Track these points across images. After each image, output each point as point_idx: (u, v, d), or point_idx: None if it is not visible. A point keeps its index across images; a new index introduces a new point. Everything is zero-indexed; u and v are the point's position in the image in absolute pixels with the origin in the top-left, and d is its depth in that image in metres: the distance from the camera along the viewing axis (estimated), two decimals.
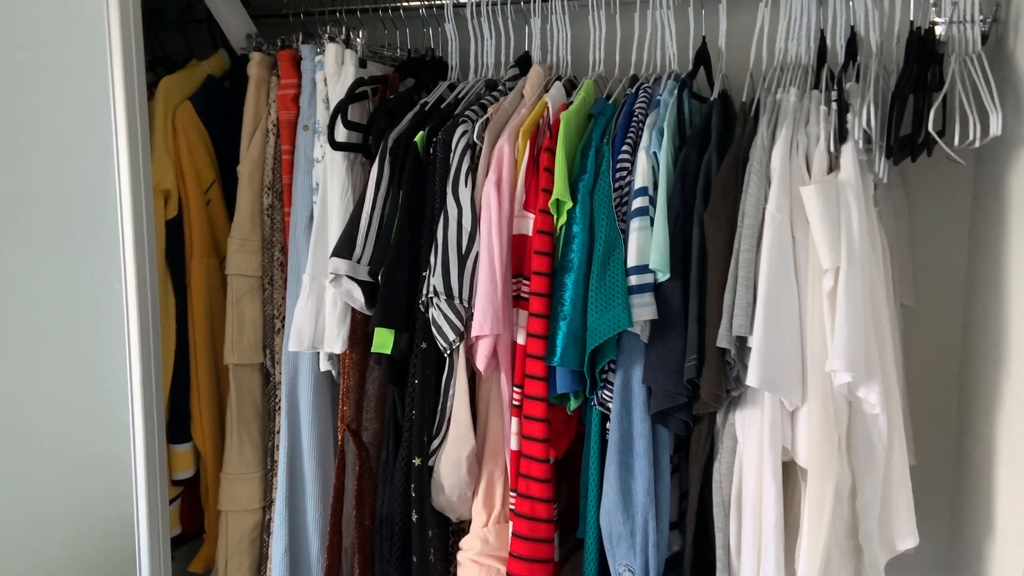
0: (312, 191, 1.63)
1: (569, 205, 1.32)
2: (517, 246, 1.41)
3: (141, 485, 1.56)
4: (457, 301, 1.37)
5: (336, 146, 1.54)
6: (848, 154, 1.23)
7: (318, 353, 1.61)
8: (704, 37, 1.57)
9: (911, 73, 1.27)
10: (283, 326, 1.70)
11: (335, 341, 1.54)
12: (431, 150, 1.48)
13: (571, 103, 1.47)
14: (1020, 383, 1.28)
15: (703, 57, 1.56)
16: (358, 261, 1.47)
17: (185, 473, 1.79)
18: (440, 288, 1.36)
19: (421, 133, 1.49)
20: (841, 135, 1.23)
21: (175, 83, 1.73)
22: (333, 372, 1.63)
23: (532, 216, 1.39)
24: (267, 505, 1.76)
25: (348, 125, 1.54)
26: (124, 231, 1.51)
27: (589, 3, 1.60)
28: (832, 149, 1.24)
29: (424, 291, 1.39)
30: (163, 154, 1.67)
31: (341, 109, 1.52)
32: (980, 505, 1.45)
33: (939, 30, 1.40)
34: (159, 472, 1.59)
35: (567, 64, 1.65)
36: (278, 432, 1.71)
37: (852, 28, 1.46)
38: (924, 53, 1.35)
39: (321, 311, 1.57)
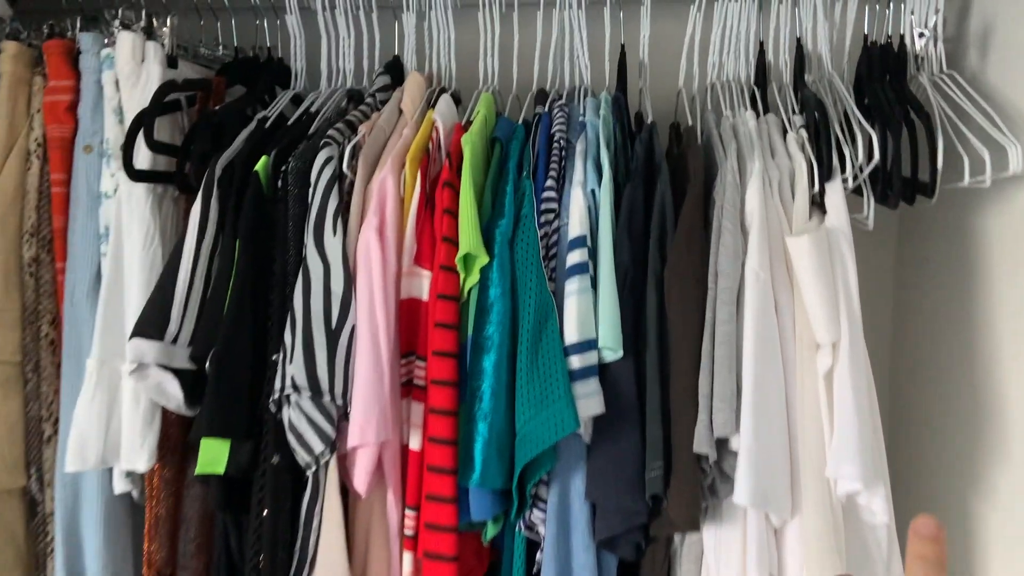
0: (99, 238, 1.19)
1: (483, 260, 1.00)
2: (407, 314, 1.06)
3: None
4: (326, 398, 1.00)
5: (136, 175, 1.12)
6: (837, 194, 1.01)
7: (110, 470, 1.16)
8: (623, 46, 1.31)
9: (896, 96, 1.07)
10: (56, 433, 1.22)
11: (137, 454, 1.11)
12: (280, 182, 1.09)
13: (469, 122, 1.14)
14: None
15: (623, 70, 1.29)
16: (173, 342, 1.05)
17: None
18: (301, 380, 0.99)
19: (265, 159, 1.10)
20: (828, 171, 0.99)
21: None
22: (134, 495, 1.18)
23: (428, 274, 1.05)
24: None
25: (154, 146, 1.12)
26: None
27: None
28: (815, 187, 1.01)
29: (277, 385, 1.00)
30: None
31: (144, 122, 1.10)
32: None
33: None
34: None
35: (451, 74, 1.33)
36: None
37: (799, 40, 1.25)
38: (893, 72, 1.17)
39: (115, 411, 1.13)
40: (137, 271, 1.14)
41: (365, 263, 1.02)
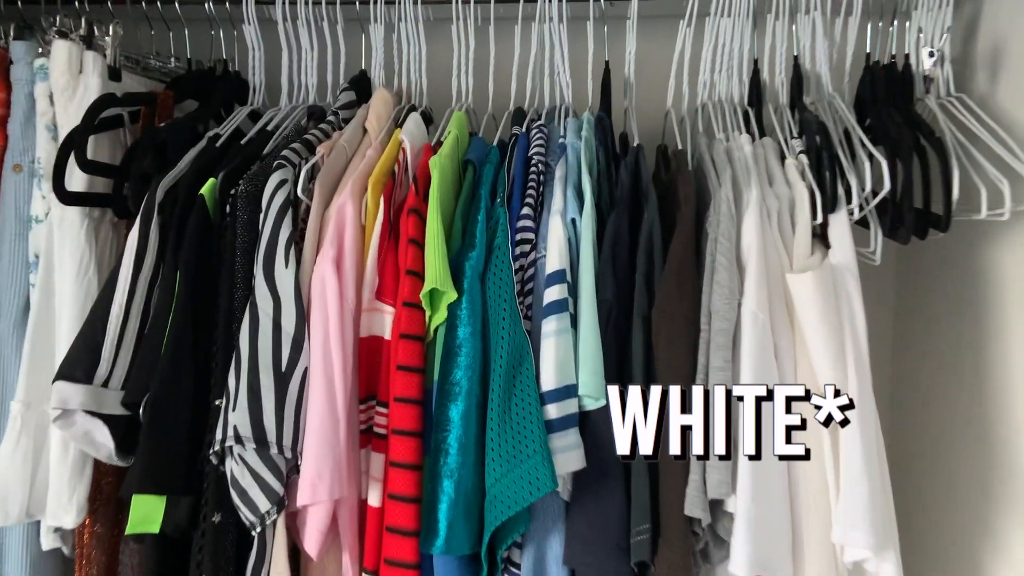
0: (28, 266, 1.09)
1: (451, 297, 0.90)
2: (368, 354, 0.96)
3: None
4: (274, 450, 0.89)
5: (69, 198, 1.02)
6: (842, 226, 0.92)
7: (37, 524, 1.05)
8: (608, 63, 1.22)
9: (904, 120, 0.99)
10: None
11: (65, 509, 1.00)
12: (228, 208, 0.99)
13: (440, 143, 1.05)
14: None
15: (607, 88, 1.21)
16: (104, 384, 0.95)
17: None
18: (245, 430, 0.88)
19: (212, 181, 1.00)
20: (832, 201, 0.91)
21: None
22: (64, 551, 1.07)
23: (390, 310, 0.95)
24: None
25: (88, 167, 1.02)
26: None
27: (452, 11, 1.20)
28: (818, 219, 0.92)
29: (218, 435, 0.90)
30: None
31: (77, 141, 1.00)
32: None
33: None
34: None
35: (421, 90, 1.24)
36: None
37: (796, 59, 1.17)
38: (898, 94, 1.09)
39: (42, 460, 1.02)
40: (69, 304, 1.04)
41: (320, 298, 0.93)
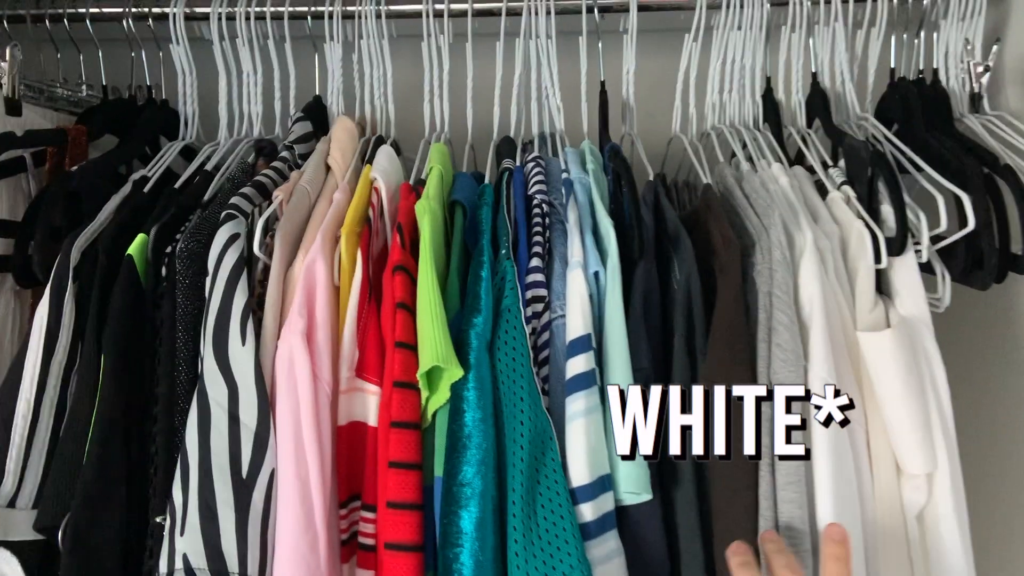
0: None
1: (456, 375, 0.73)
2: (347, 446, 0.79)
3: None
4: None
5: None
6: (910, 272, 0.79)
7: None
8: (603, 83, 1.08)
9: (958, 145, 0.88)
10: None
11: None
12: (164, 270, 0.81)
13: (421, 182, 0.89)
14: None
15: (605, 112, 1.06)
16: (10, 504, 0.75)
17: None
18: (198, 559, 0.70)
19: (142, 237, 0.82)
20: (899, 241, 0.78)
21: None
22: None
23: (375, 389, 0.78)
24: None
25: None
26: None
27: (423, 27, 1.04)
28: (882, 263, 0.79)
29: (163, 567, 0.71)
30: None
31: None
32: None
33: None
34: None
35: (388, 119, 1.08)
36: None
37: (814, 76, 1.05)
38: (935, 115, 0.98)
39: None
40: None
41: (288, 381, 0.75)
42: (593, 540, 0.73)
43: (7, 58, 0.92)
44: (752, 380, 0.74)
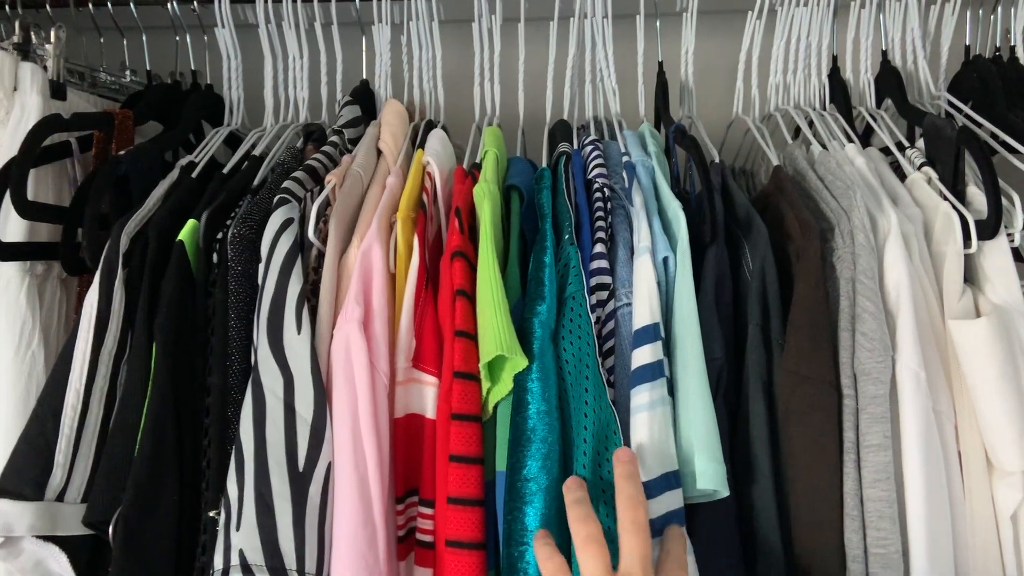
0: None
1: (521, 365, 0.71)
2: (404, 440, 0.76)
3: None
4: (293, 573, 0.68)
5: (3, 251, 0.80)
6: (1004, 257, 0.75)
7: None
8: (661, 64, 1.05)
9: None
10: None
11: None
12: (215, 257, 0.79)
13: (476, 166, 0.86)
14: None
15: (666, 94, 1.03)
16: (59, 498, 0.74)
17: None
18: (255, 555, 0.68)
19: (192, 223, 0.80)
20: (991, 224, 0.74)
21: None
22: None
23: (433, 380, 0.75)
24: None
25: (30, 210, 0.81)
26: None
27: (474, 8, 1.01)
28: (972, 247, 0.75)
29: (218, 562, 0.69)
30: None
31: (15, 177, 0.79)
32: None
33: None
34: None
35: (437, 103, 1.05)
36: None
37: (884, 54, 1.01)
38: (1018, 95, 0.93)
39: None
40: (7, 387, 0.83)
41: (345, 371, 0.73)
42: (657, 539, 0.70)
43: (52, 40, 0.90)
44: (835, 371, 0.71)
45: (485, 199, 0.77)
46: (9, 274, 0.82)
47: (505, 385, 0.72)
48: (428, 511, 0.75)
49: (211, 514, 0.73)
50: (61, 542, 0.74)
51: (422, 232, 0.78)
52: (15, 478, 0.72)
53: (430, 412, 0.76)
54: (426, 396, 0.76)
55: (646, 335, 0.73)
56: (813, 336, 0.71)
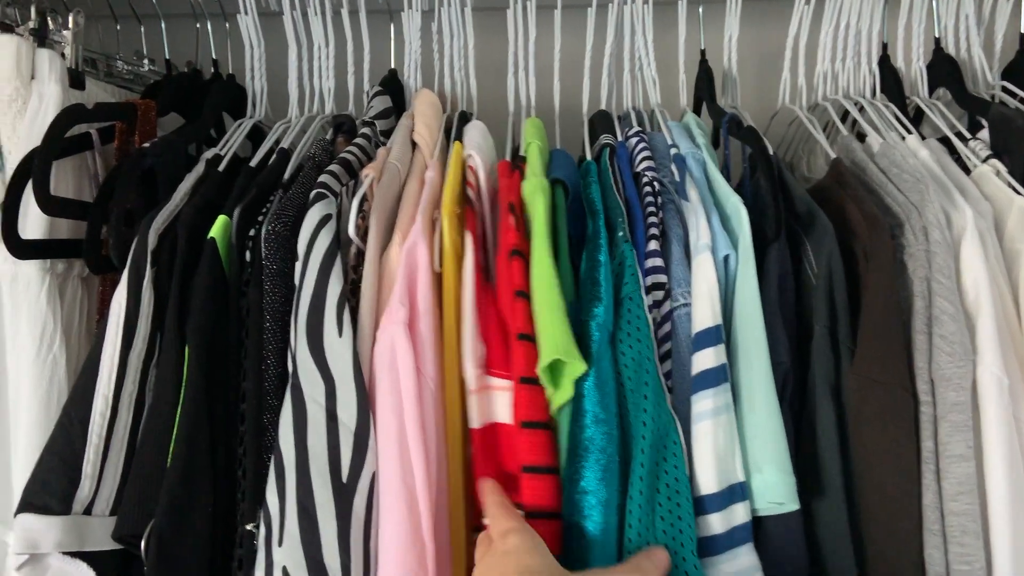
0: None
1: (580, 369, 0.67)
2: (484, 450, 0.71)
3: None
4: None
5: (23, 249, 0.76)
6: None
7: None
8: (704, 51, 1.01)
9: None
10: None
11: None
12: (248, 255, 0.75)
13: (521, 158, 0.83)
14: None
15: (711, 82, 0.99)
16: (87, 511, 0.70)
17: None
18: (299, 572, 0.64)
19: (224, 220, 0.76)
20: None
21: None
22: None
23: (506, 384, 0.70)
24: None
25: (54, 206, 0.77)
26: None
27: None
28: None
29: None
30: None
31: (38, 171, 0.75)
32: None
33: None
34: None
35: (470, 94, 1.01)
36: None
37: (936, 41, 0.97)
38: None
39: None
40: (27, 392, 0.79)
41: (390, 376, 0.69)
42: (721, 555, 0.67)
43: (71, 25, 0.86)
44: (910, 376, 0.67)
45: (538, 194, 0.73)
46: (29, 273, 0.78)
47: (566, 391, 0.68)
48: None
49: (248, 527, 0.70)
50: (88, 558, 0.70)
51: (474, 229, 0.74)
52: (41, 491, 0.68)
53: (506, 418, 0.71)
54: (502, 403, 0.71)
55: (708, 338, 0.70)
56: (887, 339, 0.67)
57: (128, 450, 0.72)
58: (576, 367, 0.67)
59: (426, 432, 0.68)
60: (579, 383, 0.68)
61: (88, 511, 0.70)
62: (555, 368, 0.67)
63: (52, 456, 0.70)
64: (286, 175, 0.85)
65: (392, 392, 0.68)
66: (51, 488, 0.69)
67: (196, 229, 0.76)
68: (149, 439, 0.72)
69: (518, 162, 0.82)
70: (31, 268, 0.78)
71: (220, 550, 0.72)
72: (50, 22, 0.86)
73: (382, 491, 0.67)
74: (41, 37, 0.85)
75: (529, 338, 0.68)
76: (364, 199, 0.77)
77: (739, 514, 0.68)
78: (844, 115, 0.98)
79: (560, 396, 0.68)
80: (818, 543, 0.69)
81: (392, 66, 1.03)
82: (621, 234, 0.74)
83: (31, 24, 0.84)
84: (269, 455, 0.69)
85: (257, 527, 0.68)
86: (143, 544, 0.68)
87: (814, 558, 0.70)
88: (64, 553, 0.69)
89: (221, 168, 0.87)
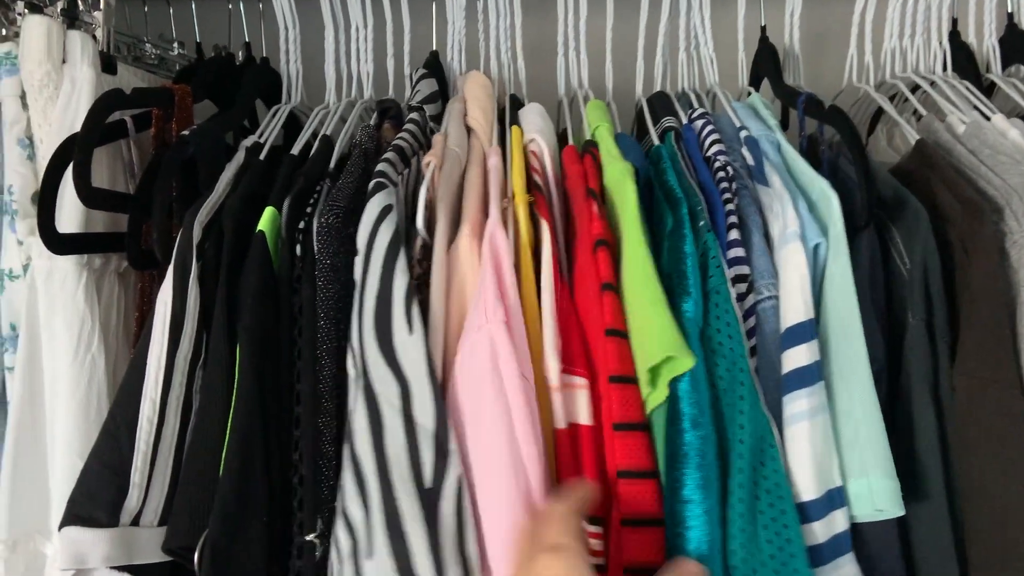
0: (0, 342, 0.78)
1: (683, 367, 0.62)
2: (568, 451, 0.65)
3: None
4: None
5: (61, 244, 0.72)
6: None
7: None
8: (764, 28, 0.96)
9: None
10: None
11: None
12: (299, 249, 0.71)
13: (591, 143, 0.78)
14: None
15: (776, 61, 0.95)
16: (135, 522, 0.65)
17: None
18: None
19: (271, 212, 0.71)
20: None
21: None
22: None
23: (584, 383, 0.65)
24: None
25: (93, 199, 0.72)
26: None
27: None
28: None
29: None
30: None
31: (79, 160, 0.70)
32: None
33: None
34: None
35: (514, 75, 0.96)
36: None
37: (1010, 17, 0.93)
38: None
39: None
40: (66, 395, 0.74)
41: (493, 379, 0.62)
42: (826, 566, 0.63)
43: (102, 6, 0.81)
44: (1019, 374, 0.63)
45: (627, 180, 0.69)
46: (65, 269, 0.74)
47: (661, 391, 0.63)
48: (595, 530, 0.65)
49: (308, 538, 0.65)
50: (137, 571, 0.66)
51: (548, 216, 0.70)
52: (87, 502, 0.64)
53: (585, 419, 0.66)
54: (581, 402, 0.66)
55: (800, 333, 0.66)
56: (995, 334, 0.63)
57: (176, 456, 0.68)
58: (683, 363, 0.62)
59: (537, 436, 0.62)
60: (674, 383, 0.63)
61: (136, 522, 0.66)
62: (663, 369, 0.62)
63: (99, 464, 0.65)
64: (331, 164, 0.80)
65: (498, 399, 0.62)
66: (98, 499, 0.64)
67: (243, 222, 0.72)
68: (199, 445, 0.67)
69: (588, 147, 0.78)
70: (67, 263, 0.74)
71: (276, 561, 0.67)
72: (80, 2, 0.81)
73: (490, 500, 0.62)
74: (71, 18, 0.80)
75: (619, 334, 0.63)
76: (428, 189, 0.72)
77: (839, 521, 0.64)
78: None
79: (656, 396, 0.63)
80: (915, 553, 0.65)
81: (434, 48, 0.98)
82: (703, 223, 0.69)
83: (61, 4, 0.79)
84: (323, 460, 0.65)
85: (318, 537, 0.64)
86: (196, 556, 0.64)
87: (910, 568, 0.66)
88: (113, 569, 0.64)
89: (262, 157, 0.82)
